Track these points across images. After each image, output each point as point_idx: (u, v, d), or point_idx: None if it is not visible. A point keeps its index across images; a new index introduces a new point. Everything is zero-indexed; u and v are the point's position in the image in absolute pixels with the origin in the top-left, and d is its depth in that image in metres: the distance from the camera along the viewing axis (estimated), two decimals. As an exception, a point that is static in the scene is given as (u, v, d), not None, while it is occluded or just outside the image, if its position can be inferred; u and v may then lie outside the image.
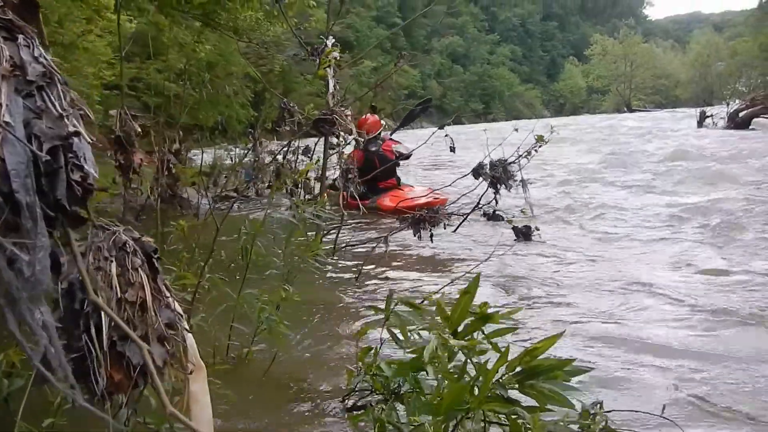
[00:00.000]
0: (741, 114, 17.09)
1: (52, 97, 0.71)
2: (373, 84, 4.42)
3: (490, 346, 1.58)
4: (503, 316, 1.61)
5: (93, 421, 1.52)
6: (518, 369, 1.46)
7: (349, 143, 4.53)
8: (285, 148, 6.06)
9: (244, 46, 10.26)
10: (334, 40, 4.10)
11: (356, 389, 2.08)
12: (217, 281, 2.41)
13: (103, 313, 0.89)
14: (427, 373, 1.72)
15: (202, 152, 6.79)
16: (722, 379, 2.30)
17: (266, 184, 7.18)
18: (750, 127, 16.61)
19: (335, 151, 4.02)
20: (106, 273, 0.96)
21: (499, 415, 1.49)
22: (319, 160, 3.89)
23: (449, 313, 1.63)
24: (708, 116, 17.98)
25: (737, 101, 18.23)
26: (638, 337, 2.72)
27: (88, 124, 0.78)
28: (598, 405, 1.52)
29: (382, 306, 1.94)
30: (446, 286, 3.27)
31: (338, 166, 4.31)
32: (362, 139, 4.26)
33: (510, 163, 4.01)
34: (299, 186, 5.30)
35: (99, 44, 8.79)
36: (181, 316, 1.07)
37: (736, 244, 4.29)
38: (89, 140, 0.74)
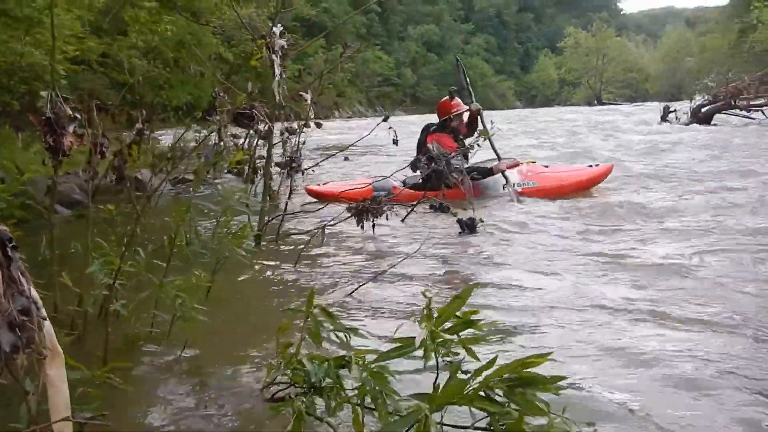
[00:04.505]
0: (704, 109, 17.38)
1: None
2: (320, 72, 4.41)
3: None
4: (485, 325, 1.73)
5: None
6: (506, 376, 1.58)
7: (303, 131, 4.53)
8: (247, 133, 6.01)
9: (216, 26, 10.14)
10: (282, 28, 4.08)
11: (275, 382, 2.11)
12: (140, 267, 2.41)
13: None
14: (350, 371, 1.79)
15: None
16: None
17: (226, 169, 7.13)
18: (712, 122, 16.91)
19: (279, 141, 4.02)
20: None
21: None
22: (250, 149, 3.90)
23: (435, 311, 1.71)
24: (672, 111, 18.25)
25: (705, 96, 18.49)
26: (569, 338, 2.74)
27: None
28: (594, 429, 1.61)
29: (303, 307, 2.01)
30: (378, 275, 3.30)
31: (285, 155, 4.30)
32: (309, 127, 4.23)
33: (453, 156, 4.03)
34: (257, 173, 5.27)
35: (64, 18, 8.56)
36: (37, 303, 1.08)
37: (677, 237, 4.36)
38: None
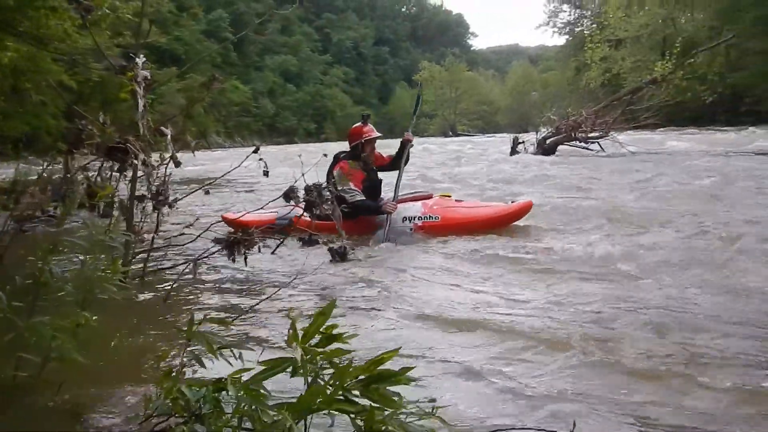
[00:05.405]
0: (548, 141, 18.72)
1: None
2: (184, 107, 4.33)
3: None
4: (349, 337, 1.80)
5: None
6: (361, 377, 1.67)
7: (165, 164, 4.39)
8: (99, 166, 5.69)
9: (65, 54, 9.60)
10: (145, 59, 3.98)
11: (154, 414, 2.05)
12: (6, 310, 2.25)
13: None
14: (228, 393, 1.80)
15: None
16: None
17: (76, 204, 6.72)
18: (556, 153, 18.30)
19: (143, 174, 3.89)
20: None
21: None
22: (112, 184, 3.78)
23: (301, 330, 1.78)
24: (521, 143, 19.44)
25: (548, 129, 19.78)
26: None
27: None
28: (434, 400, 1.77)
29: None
30: (257, 304, 3.31)
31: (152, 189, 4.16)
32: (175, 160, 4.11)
33: (325, 187, 4.10)
34: (114, 207, 5.02)
35: None
36: None
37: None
38: None
